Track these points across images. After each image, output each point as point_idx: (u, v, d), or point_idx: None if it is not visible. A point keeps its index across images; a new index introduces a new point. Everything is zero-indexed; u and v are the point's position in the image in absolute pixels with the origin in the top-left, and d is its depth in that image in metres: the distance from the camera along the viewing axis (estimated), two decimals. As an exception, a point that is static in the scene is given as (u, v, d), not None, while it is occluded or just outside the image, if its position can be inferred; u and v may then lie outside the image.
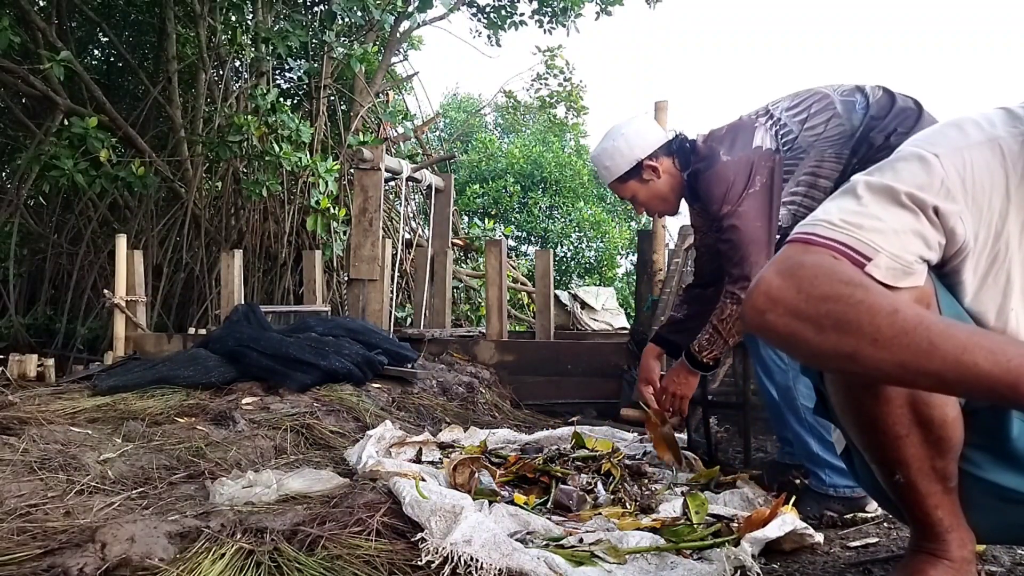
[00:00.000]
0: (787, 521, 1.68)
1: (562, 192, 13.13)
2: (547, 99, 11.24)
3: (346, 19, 7.54)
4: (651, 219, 5.27)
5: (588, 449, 2.53)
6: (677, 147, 2.32)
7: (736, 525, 1.76)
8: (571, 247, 12.75)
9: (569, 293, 7.50)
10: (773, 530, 1.63)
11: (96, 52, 8.97)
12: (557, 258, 12.31)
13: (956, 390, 0.98)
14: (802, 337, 0.99)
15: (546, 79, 10.97)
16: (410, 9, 7.84)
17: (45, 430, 2.38)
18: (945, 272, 1.14)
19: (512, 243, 12.78)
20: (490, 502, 1.88)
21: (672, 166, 2.31)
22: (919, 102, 2.12)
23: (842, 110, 2.13)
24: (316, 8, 8.20)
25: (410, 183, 6.10)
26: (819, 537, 1.74)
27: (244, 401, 3.02)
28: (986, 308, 1.15)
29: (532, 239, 13.17)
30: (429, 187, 5.71)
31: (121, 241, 4.77)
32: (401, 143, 8.46)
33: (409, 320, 6.68)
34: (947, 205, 1.07)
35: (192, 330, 5.65)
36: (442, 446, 2.73)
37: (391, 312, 5.10)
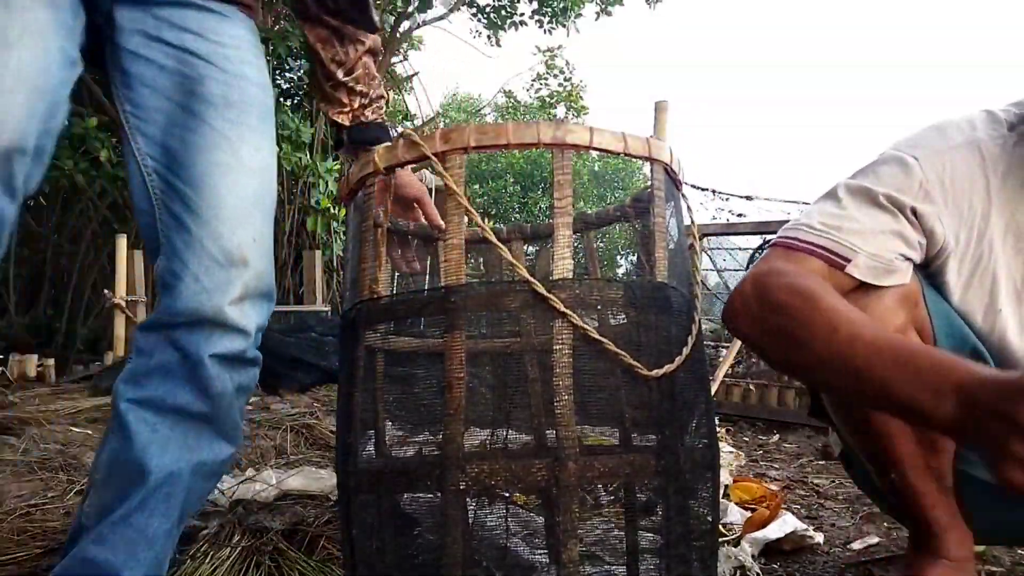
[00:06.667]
0: (787, 522, 1.68)
1: (562, 192, 13.12)
2: (547, 99, 11.25)
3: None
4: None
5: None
6: None
7: (736, 525, 1.76)
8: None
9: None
10: (773, 531, 1.64)
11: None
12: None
13: (889, 411, 0.96)
14: (763, 346, 1.04)
15: (546, 79, 10.99)
16: (410, 9, 7.85)
17: (45, 430, 2.39)
18: (930, 272, 1.16)
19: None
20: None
21: None
22: None
23: None
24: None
25: (410, 183, 6.09)
26: (819, 538, 1.74)
27: (244, 401, 3.02)
28: (973, 308, 1.17)
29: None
30: (429, 188, 5.72)
31: (121, 241, 4.78)
32: (401, 143, 8.46)
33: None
34: (924, 206, 1.10)
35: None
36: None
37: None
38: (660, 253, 1.08)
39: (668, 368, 0.98)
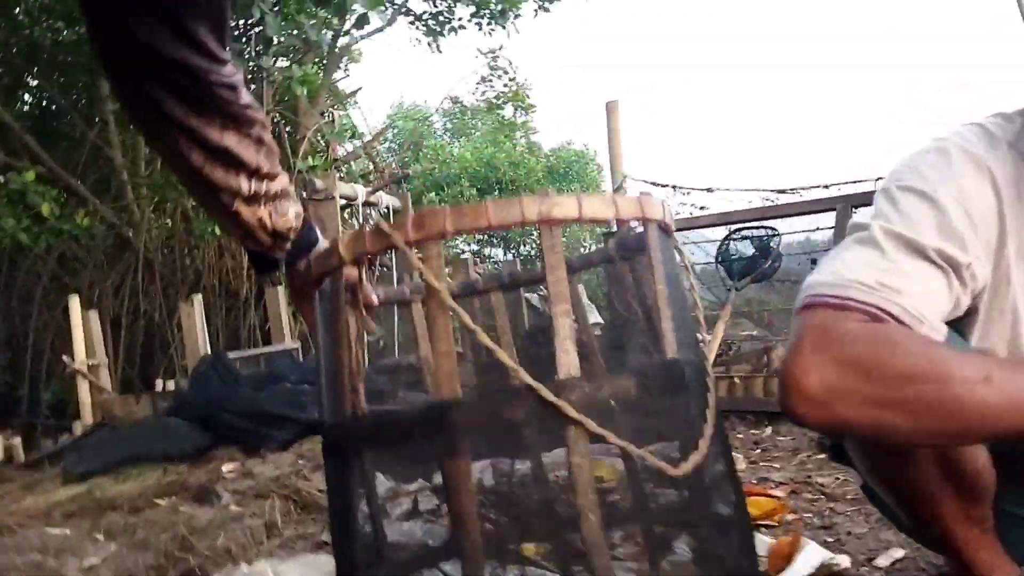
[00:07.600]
0: (812, 553, 1.63)
1: (518, 190, 13.06)
2: (493, 101, 11.17)
3: (282, 41, 7.35)
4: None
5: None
6: None
7: (762, 559, 1.70)
8: (534, 245, 12.70)
9: (539, 295, 7.41)
10: (802, 567, 1.58)
11: (27, 97, 8.63)
12: (522, 257, 12.24)
13: None
14: (892, 426, 0.88)
15: (491, 81, 10.90)
16: (347, 26, 7.69)
17: (19, 537, 2.24)
18: (964, 313, 1.07)
19: (475, 247, 12.70)
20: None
21: None
22: None
23: None
24: (251, 32, 7.99)
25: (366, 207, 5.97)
26: (845, 561, 1.69)
27: (225, 468, 2.89)
28: (995, 344, 1.07)
29: (494, 240, 13.10)
30: (387, 208, 5.60)
31: (74, 303, 4.61)
32: (352, 162, 8.31)
33: (382, 343, 6.54)
34: (972, 253, 0.99)
35: (160, 383, 5.46)
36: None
37: (364, 339, 4.97)
38: (667, 325, 0.99)
39: (696, 460, 0.90)
